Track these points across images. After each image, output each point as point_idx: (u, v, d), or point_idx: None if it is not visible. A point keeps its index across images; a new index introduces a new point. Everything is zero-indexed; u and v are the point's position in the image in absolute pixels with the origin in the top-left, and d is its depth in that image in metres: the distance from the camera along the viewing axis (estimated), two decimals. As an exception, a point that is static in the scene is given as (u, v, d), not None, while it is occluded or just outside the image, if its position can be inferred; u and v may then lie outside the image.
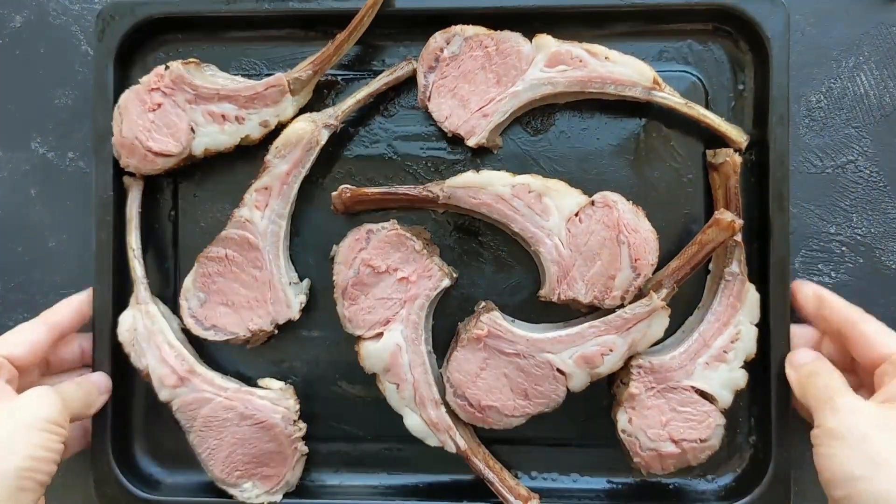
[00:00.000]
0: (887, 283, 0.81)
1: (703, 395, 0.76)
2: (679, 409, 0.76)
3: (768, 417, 0.77)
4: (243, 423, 0.79)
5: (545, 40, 0.78)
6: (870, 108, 0.82)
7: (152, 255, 0.84)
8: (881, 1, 0.82)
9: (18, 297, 0.86)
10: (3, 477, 0.65)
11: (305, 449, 0.81)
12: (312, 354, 0.83)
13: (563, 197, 0.77)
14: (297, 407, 0.80)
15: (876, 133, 0.82)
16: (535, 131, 0.82)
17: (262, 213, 0.79)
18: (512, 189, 0.77)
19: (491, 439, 0.81)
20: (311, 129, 0.78)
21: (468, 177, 0.78)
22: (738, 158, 0.76)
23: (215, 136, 0.79)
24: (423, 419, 0.78)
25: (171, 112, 0.79)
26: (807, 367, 0.73)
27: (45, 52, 0.86)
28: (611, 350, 0.76)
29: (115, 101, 0.80)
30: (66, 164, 0.86)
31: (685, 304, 0.80)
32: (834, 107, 0.82)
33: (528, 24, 0.79)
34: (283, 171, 0.79)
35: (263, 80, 0.79)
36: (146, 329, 0.79)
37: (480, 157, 0.82)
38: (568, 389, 0.77)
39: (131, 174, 0.81)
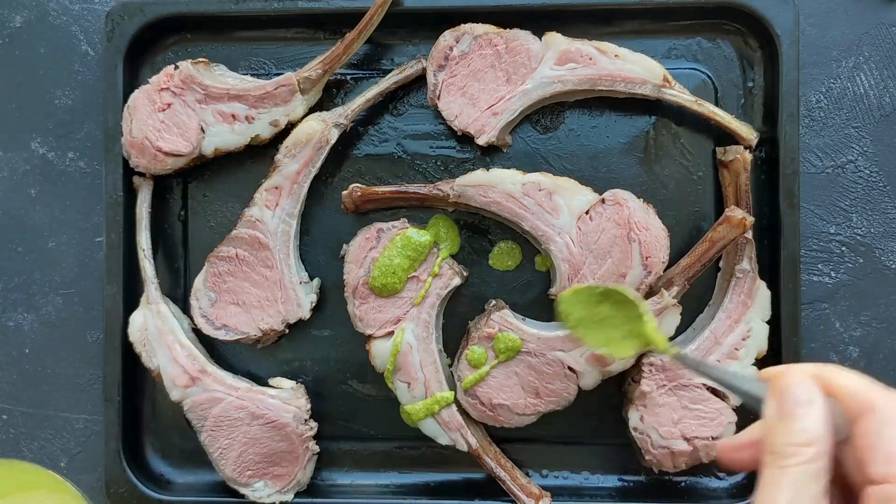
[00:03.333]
0: (887, 283, 0.82)
1: (715, 392, 0.76)
2: (691, 406, 0.76)
3: (780, 414, 0.77)
4: (255, 422, 0.79)
5: (555, 38, 0.78)
6: (870, 108, 0.82)
7: (162, 255, 0.84)
8: (881, 1, 0.82)
9: (18, 297, 0.86)
10: None
11: (316, 448, 0.81)
12: (323, 353, 0.83)
13: (573, 195, 0.77)
14: (309, 406, 0.80)
15: (876, 133, 0.82)
16: (544, 129, 0.82)
17: (273, 212, 0.79)
18: (522, 187, 0.77)
19: (502, 438, 0.81)
20: (321, 129, 0.78)
21: (478, 175, 0.78)
22: (748, 155, 0.76)
23: (225, 136, 0.79)
24: (434, 418, 0.78)
25: (180, 112, 0.79)
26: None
27: (45, 52, 0.86)
28: (622, 348, 0.76)
29: (125, 100, 0.80)
30: (66, 164, 0.86)
31: (696, 302, 0.80)
32: (834, 107, 0.82)
33: (538, 21, 0.79)
34: (294, 170, 0.79)
35: (273, 80, 0.78)
36: (157, 329, 0.79)
37: (490, 155, 0.82)
38: (579, 387, 0.77)
39: (141, 174, 0.81)
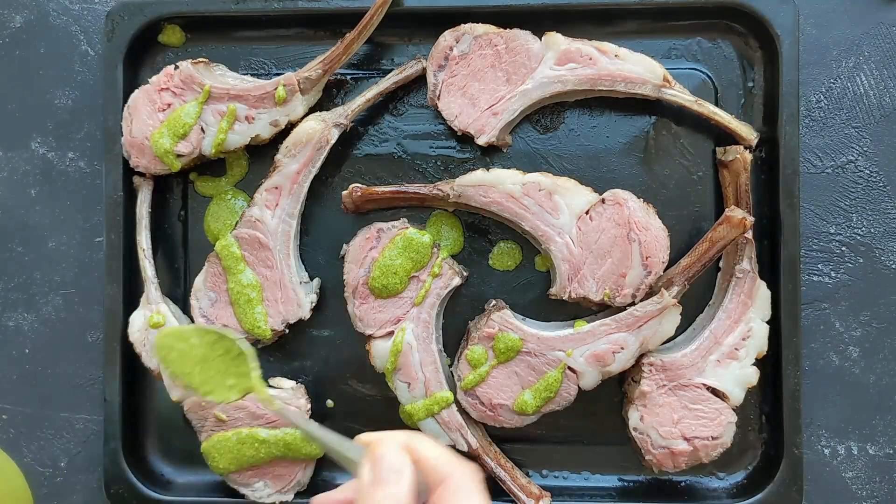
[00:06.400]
0: (887, 283, 0.82)
1: (715, 392, 0.76)
2: (691, 406, 0.76)
3: (780, 414, 0.78)
4: (255, 422, 0.79)
5: (555, 38, 0.78)
6: (870, 108, 0.82)
7: (162, 255, 0.84)
8: (881, 1, 0.82)
9: (18, 297, 0.86)
10: None
11: (317, 448, 0.81)
12: (323, 353, 0.83)
13: (573, 195, 0.77)
14: (309, 406, 0.80)
15: (876, 133, 0.82)
16: (544, 129, 0.82)
17: (273, 212, 0.79)
18: (522, 187, 0.77)
19: (502, 438, 0.81)
20: (321, 129, 0.78)
21: (478, 175, 0.78)
22: (748, 155, 0.76)
23: (225, 136, 0.79)
24: (434, 418, 0.78)
25: (180, 112, 0.79)
26: None
27: (45, 52, 0.86)
28: (622, 348, 0.76)
29: (125, 100, 0.80)
30: (66, 164, 0.86)
31: (696, 302, 0.80)
32: (834, 107, 0.82)
33: (538, 22, 0.79)
34: (294, 170, 0.79)
35: (273, 80, 0.78)
36: (157, 329, 0.79)
37: (490, 155, 0.82)
38: (579, 387, 0.77)
39: (141, 174, 0.81)
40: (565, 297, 0.77)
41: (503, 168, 0.78)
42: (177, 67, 0.79)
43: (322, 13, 0.81)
